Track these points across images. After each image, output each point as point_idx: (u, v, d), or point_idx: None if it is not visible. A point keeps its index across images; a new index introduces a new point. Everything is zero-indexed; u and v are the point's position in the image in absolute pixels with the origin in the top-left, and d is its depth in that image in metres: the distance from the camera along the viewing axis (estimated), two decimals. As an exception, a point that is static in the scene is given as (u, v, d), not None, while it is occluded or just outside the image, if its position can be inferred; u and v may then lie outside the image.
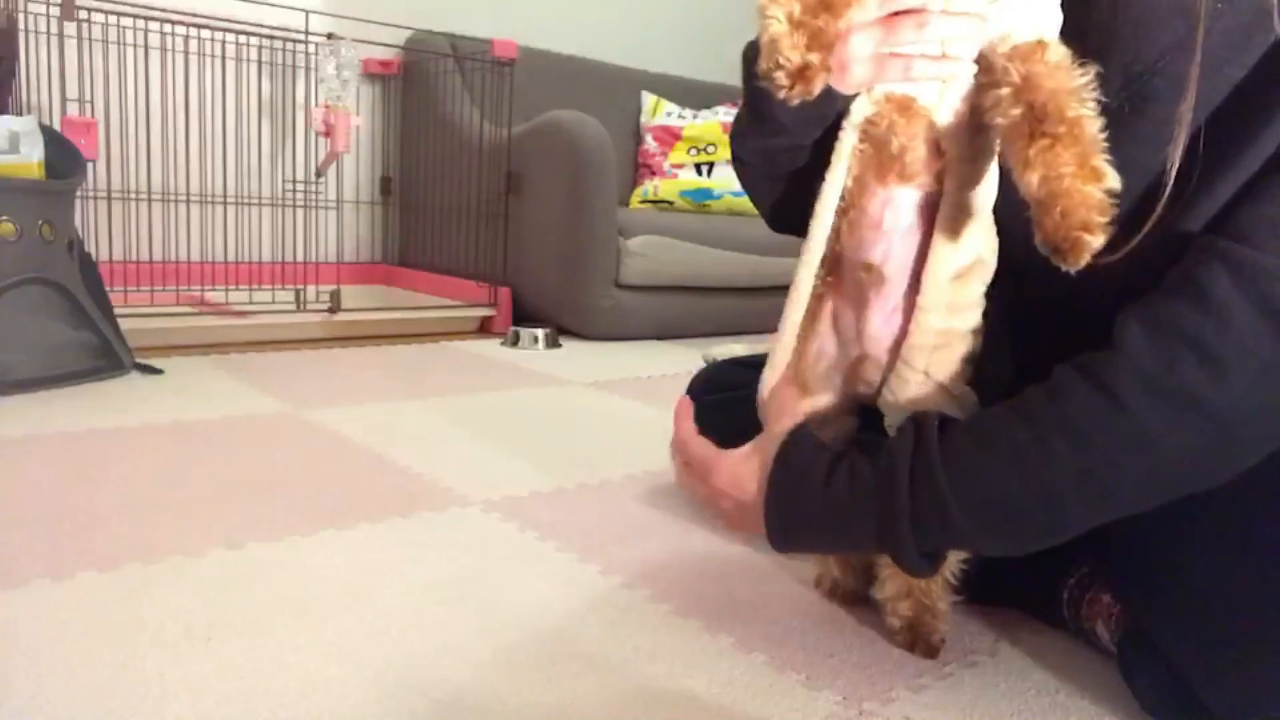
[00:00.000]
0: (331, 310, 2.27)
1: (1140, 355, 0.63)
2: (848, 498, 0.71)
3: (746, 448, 0.80)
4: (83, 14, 2.03)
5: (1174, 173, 0.65)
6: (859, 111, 0.73)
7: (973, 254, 0.74)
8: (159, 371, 1.78)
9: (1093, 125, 0.61)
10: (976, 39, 0.67)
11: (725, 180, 2.98)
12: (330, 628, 0.80)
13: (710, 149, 3.03)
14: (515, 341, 2.38)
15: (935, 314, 0.73)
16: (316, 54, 2.30)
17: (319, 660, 0.75)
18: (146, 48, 2.23)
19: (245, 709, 0.67)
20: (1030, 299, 0.79)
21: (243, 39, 2.39)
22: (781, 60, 0.60)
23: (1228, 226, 0.63)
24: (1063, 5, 0.68)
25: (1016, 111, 0.62)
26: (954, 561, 0.81)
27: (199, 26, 2.29)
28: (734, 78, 3.59)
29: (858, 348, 0.79)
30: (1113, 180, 0.60)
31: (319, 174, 2.43)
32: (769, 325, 2.82)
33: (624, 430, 1.57)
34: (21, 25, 1.98)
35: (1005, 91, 0.63)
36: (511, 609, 0.86)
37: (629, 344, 2.52)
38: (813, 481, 0.73)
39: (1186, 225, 0.66)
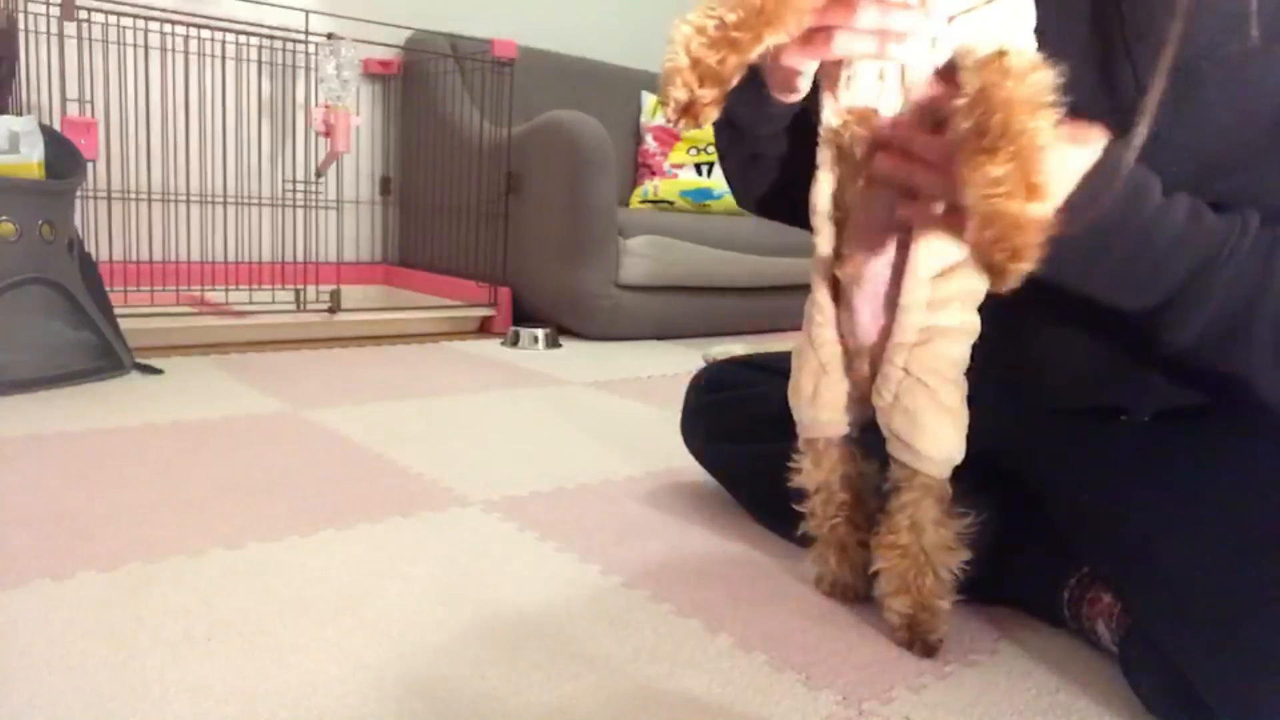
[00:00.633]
0: (331, 310, 2.27)
1: None
2: (1183, 225, 0.66)
3: None
4: (83, 14, 2.03)
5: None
6: (827, 125, 0.76)
7: (959, 251, 0.74)
8: (159, 371, 1.78)
9: (1044, 136, 0.59)
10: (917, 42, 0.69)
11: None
12: (330, 628, 0.80)
13: (710, 149, 3.03)
14: (515, 341, 2.38)
15: (916, 311, 0.76)
16: (316, 54, 2.30)
17: (319, 660, 0.75)
18: (146, 48, 2.23)
19: (245, 709, 0.67)
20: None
21: (243, 39, 2.39)
22: (672, 94, 0.63)
23: None
24: None
25: (966, 125, 0.61)
26: (952, 559, 0.81)
27: (199, 26, 2.30)
28: (734, 78, 3.52)
29: (854, 340, 0.81)
30: (1054, 193, 0.60)
31: (319, 174, 2.43)
32: (769, 325, 2.82)
33: (624, 430, 1.57)
34: (21, 25, 1.98)
35: (960, 104, 0.62)
36: (511, 609, 0.86)
37: (629, 344, 2.52)
38: (1147, 190, 0.66)
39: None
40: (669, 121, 0.64)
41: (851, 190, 0.76)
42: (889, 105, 0.72)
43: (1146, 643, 0.73)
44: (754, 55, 0.65)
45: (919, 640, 0.82)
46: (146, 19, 2.14)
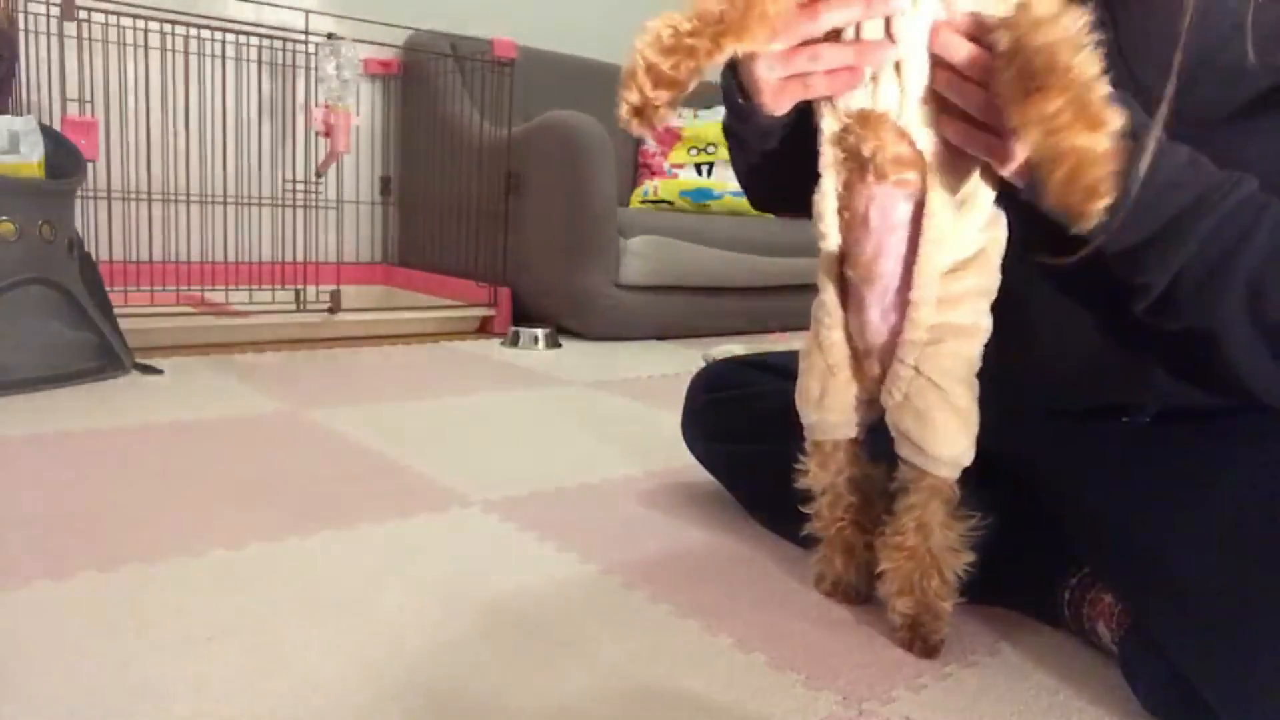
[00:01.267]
0: (331, 310, 2.27)
1: None
2: (1184, 164, 0.67)
3: None
4: (83, 14, 2.03)
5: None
6: (828, 128, 0.76)
7: (972, 247, 0.74)
8: (159, 371, 1.78)
9: (1089, 68, 0.59)
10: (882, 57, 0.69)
11: (725, 180, 2.97)
12: (330, 628, 0.80)
13: (710, 149, 3.03)
14: (515, 341, 2.38)
15: (926, 308, 0.75)
16: (316, 54, 2.30)
17: (319, 660, 0.75)
18: (146, 48, 2.23)
19: (245, 709, 0.67)
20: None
21: (243, 39, 2.39)
22: (625, 96, 0.65)
23: None
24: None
25: (1009, 75, 0.61)
26: (957, 561, 0.81)
27: (199, 26, 2.29)
28: (734, 78, 3.48)
29: (863, 341, 0.81)
30: (1116, 119, 0.60)
31: (319, 174, 2.43)
32: (769, 325, 2.82)
33: (624, 430, 1.57)
34: (21, 25, 1.98)
35: (1000, 54, 0.62)
36: (511, 609, 0.86)
37: (629, 344, 2.52)
38: (1148, 125, 0.66)
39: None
40: (621, 123, 0.66)
41: (860, 190, 0.76)
42: (887, 98, 0.72)
43: (1146, 643, 0.73)
44: (716, 62, 0.67)
45: (920, 641, 0.82)
46: (146, 19, 2.14)
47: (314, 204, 2.49)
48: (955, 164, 0.72)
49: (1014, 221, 0.76)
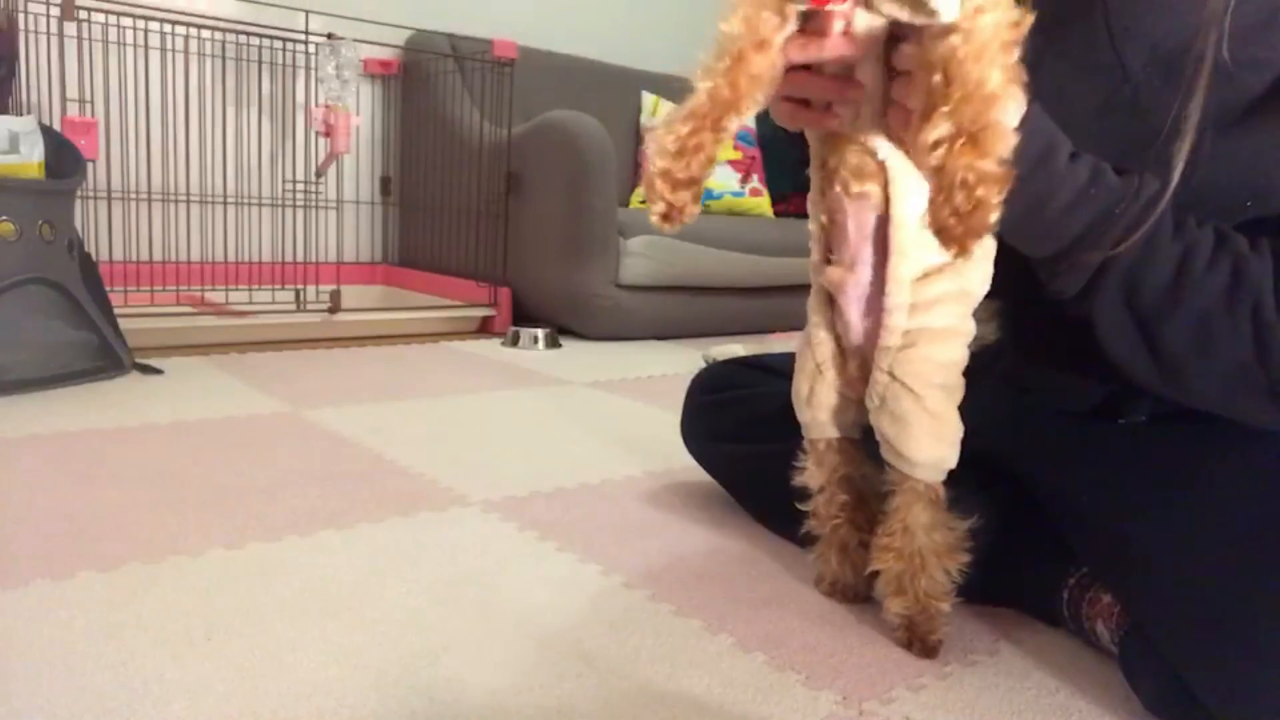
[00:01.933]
0: (331, 310, 2.27)
1: None
2: (1084, 184, 0.68)
3: None
4: (83, 14, 2.03)
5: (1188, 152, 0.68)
6: (810, 138, 0.79)
7: (936, 255, 0.75)
8: (159, 371, 1.78)
9: (988, 86, 0.58)
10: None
11: (725, 180, 2.98)
12: (330, 628, 0.80)
13: (710, 149, 3.03)
14: (515, 341, 2.38)
15: (898, 315, 0.76)
16: (316, 54, 2.30)
17: (319, 660, 0.75)
18: (146, 48, 2.23)
19: (245, 709, 0.67)
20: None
21: (243, 39, 2.39)
22: (653, 207, 0.68)
23: None
24: None
25: (909, 90, 0.63)
26: (950, 562, 0.81)
27: (199, 26, 2.29)
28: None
29: (847, 341, 0.82)
30: (1005, 145, 0.59)
31: (319, 174, 2.43)
32: (769, 325, 2.81)
33: (624, 430, 1.57)
34: (21, 25, 1.98)
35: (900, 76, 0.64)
36: (511, 609, 0.86)
37: (629, 344, 2.52)
38: (1057, 150, 0.68)
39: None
40: (656, 224, 0.70)
41: (834, 199, 0.77)
42: (844, 118, 0.73)
43: (1146, 642, 0.73)
44: (725, 141, 0.68)
45: (918, 641, 0.82)
46: (146, 19, 2.14)
47: (314, 204, 2.49)
48: (909, 176, 0.73)
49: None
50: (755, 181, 3.01)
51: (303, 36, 2.30)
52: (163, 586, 0.87)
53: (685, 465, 1.27)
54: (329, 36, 2.30)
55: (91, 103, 2.15)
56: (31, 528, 0.99)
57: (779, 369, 1.17)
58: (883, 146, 0.72)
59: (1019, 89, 0.62)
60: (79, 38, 2.12)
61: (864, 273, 0.78)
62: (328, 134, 2.31)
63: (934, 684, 0.78)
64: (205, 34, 2.37)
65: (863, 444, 0.87)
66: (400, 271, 2.93)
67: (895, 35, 0.66)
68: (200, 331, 2.11)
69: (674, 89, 3.26)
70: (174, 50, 2.34)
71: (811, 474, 0.88)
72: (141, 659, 0.73)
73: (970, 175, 0.58)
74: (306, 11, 2.34)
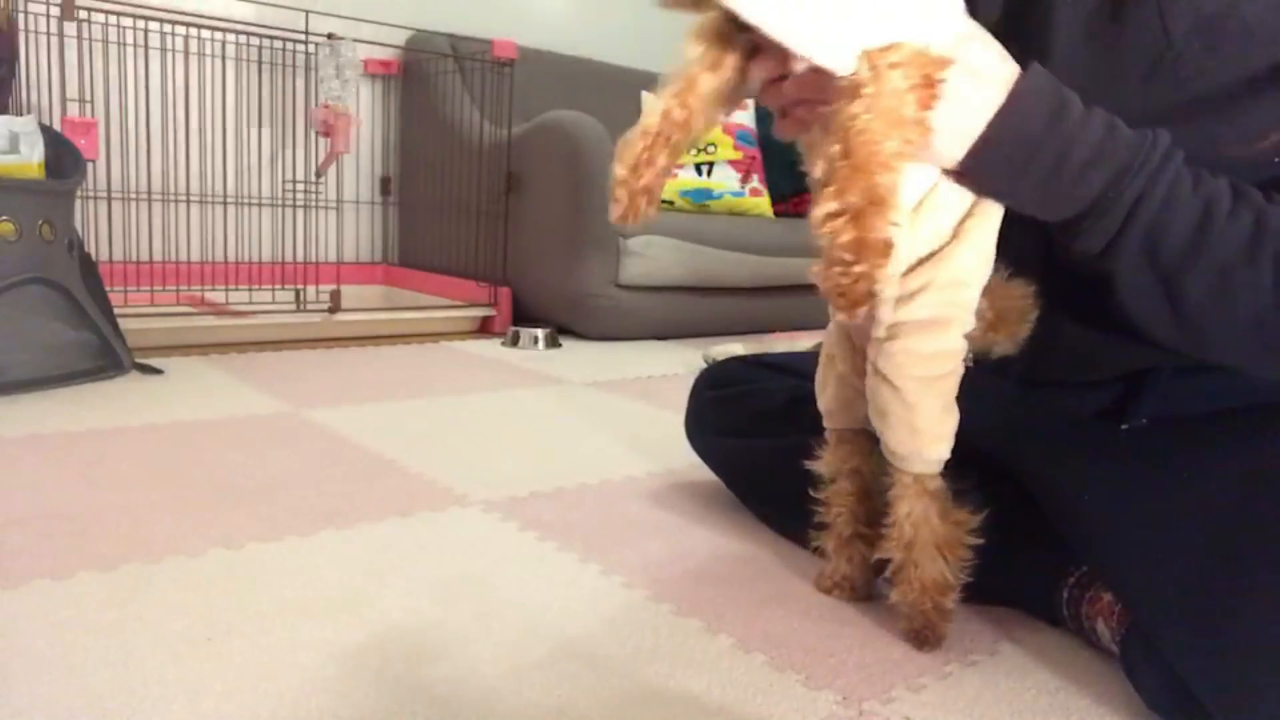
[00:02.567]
0: (331, 310, 2.27)
1: None
2: (1099, 141, 0.67)
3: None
4: (83, 14, 2.03)
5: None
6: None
7: (936, 241, 0.75)
8: (159, 371, 1.78)
9: (893, 148, 0.62)
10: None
11: (725, 180, 2.97)
12: (330, 628, 0.80)
13: (710, 149, 3.03)
14: (515, 341, 2.38)
15: (884, 308, 0.77)
16: (316, 54, 2.30)
17: (319, 660, 0.75)
18: (146, 48, 2.23)
19: (245, 709, 0.67)
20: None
21: (243, 39, 2.39)
22: (612, 206, 0.74)
23: None
24: None
25: (824, 161, 0.65)
26: (951, 554, 0.81)
27: (199, 26, 2.29)
28: (734, 78, 3.47)
29: (854, 332, 0.84)
30: (897, 215, 0.63)
31: (319, 174, 2.43)
32: (769, 325, 2.81)
33: (624, 430, 1.57)
34: (21, 25, 1.98)
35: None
36: (511, 609, 0.86)
37: (629, 344, 2.52)
38: (1067, 108, 0.67)
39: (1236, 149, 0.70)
40: (615, 222, 0.75)
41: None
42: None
43: (1148, 641, 0.73)
44: (680, 154, 0.74)
45: (916, 633, 0.83)
46: (146, 19, 2.14)
47: (314, 204, 2.49)
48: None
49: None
50: (755, 181, 3.01)
51: (303, 36, 2.30)
52: (163, 586, 0.87)
53: (685, 465, 1.27)
54: (329, 36, 2.30)
55: (91, 103, 2.15)
56: (31, 528, 0.99)
57: (783, 366, 1.17)
58: None
59: (989, 71, 0.65)
60: (79, 38, 2.12)
61: None
62: (328, 134, 2.31)
63: (934, 684, 0.78)
64: (205, 34, 2.37)
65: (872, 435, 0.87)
66: (400, 271, 2.93)
67: None
68: (200, 331, 2.11)
69: (674, 89, 3.27)
70: (174, 50, 2.34)
71: (825, 463, 0.90)
72: (141, 659, 0.73)
73: (850, 253, 0.62)
74: (306, 11, 2.34)
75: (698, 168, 3.03)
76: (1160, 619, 0.71)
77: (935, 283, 0.76)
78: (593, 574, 0.95)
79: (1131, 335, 0.74)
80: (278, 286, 2.26)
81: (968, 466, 0.82)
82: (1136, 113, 0.69)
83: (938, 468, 0.79)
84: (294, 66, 2.53)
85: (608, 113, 2.80)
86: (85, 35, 2.14)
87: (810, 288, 0.85)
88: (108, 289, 1.78)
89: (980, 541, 0.82)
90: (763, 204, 3.03)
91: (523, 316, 2.56)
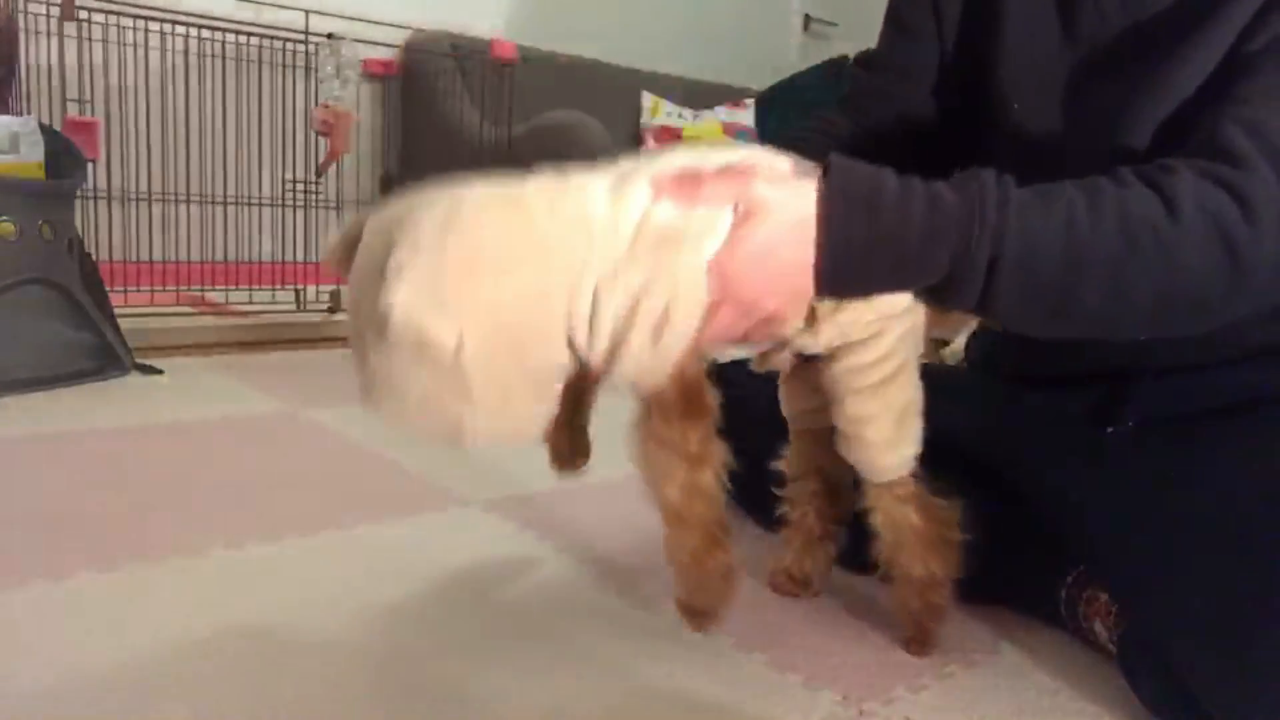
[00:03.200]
0: (331, 310, 2.27)
1: (1193, 183, 0.65)
2: (926, 208, 0.64)
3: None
4: (83, 14, 2.03)
5: None
6: None
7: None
8: (159, 371, 1.78)
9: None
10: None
11: (725, 180, 2.97)
12: (330, 628, 0.80)
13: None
14: (515, 341, 2.37)
15: (808, 342, 0.76)
16: (316, 54, 2.30)
17: (319, 660, 0.75)
18: (146, 48, 2.23)
19: (245, 709, 0.67)
20: None
21: (243, 39, 2.39)
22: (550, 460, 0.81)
23: (1233, 98, 0.68)
24: None
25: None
26: (937, 553, 0.80)
27: (199, 26, 2.29)
28: (734, 78, 3.56)
29: None
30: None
31: (319, 174, 2.43)
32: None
33: (623, 430, 1.56)
34: (21, 25, 1.98)
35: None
36: (512, 609, 0.86)
37: (629, 344, 2.52)
38: (878, 198, 0.65)
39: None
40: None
41: None
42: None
43: (1145, 642, 0.74)
44: (584, 408, 0.81)
45: (910, 640, 0.83)
46: (146, 19, 2.14)
47: (314, 204, 2.49)
48: None
49: None
50: (755, 181, 3.01)
51: (303, 36, 2.30)
52: (163, 586, 0.87)
53: (685, 465, 1.27)
54: (329, 36, 2.30)
55: (91, 103, 2.15)
56: (31, 528, 0.99)
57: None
58: None
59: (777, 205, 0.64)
60: (79, 38, 2.12)
61: None
62: (328, 134, 2.30)
63: (934, 684, 0.78)
64: (205, 34, 2.37)
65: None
66: (400, 271, 2.93)
67: None
68: (200, 331, 2.11)
69: (674, 89, 3.27)
70: (174, 50, 2.33)
71: (787, 462, 0.90)
72: (141, 659, 0.73)
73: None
74: (306, 11, 2.34)
75: (698, 168, 3.03)
76: (1160, 622, 0.71)
77: (858, 321, 0.74)
78: (592, 574, 0.95)
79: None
80: (278, 286, 2.26)
81: (963, 468, 0.82)
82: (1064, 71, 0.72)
83: (901, 474, 0.78)
84: (294, 66, 2.53)
85: (608, 113, 2.80)
86: (85, 35, 2.13)
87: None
88: (108, 289, 1.78)
89: (967, 537, 0.81)
90: (763, 204, 3.03)
91: (523, 316, 2.56)
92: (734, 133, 3.03)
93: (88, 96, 2.13)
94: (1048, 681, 0.79)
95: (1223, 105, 0.68)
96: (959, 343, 1.93)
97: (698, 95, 3.27)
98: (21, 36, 1.98)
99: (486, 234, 0.61)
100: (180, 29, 2.29)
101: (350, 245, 0.62)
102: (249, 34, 2.33)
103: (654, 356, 0.66)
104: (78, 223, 1.78)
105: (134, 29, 2.18)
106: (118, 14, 2.12)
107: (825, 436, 0.86)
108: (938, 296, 0.68)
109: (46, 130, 1.70)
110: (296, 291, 2.23)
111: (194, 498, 1.11)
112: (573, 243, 0.62)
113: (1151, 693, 0.73)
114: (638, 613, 0.87)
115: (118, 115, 2.30)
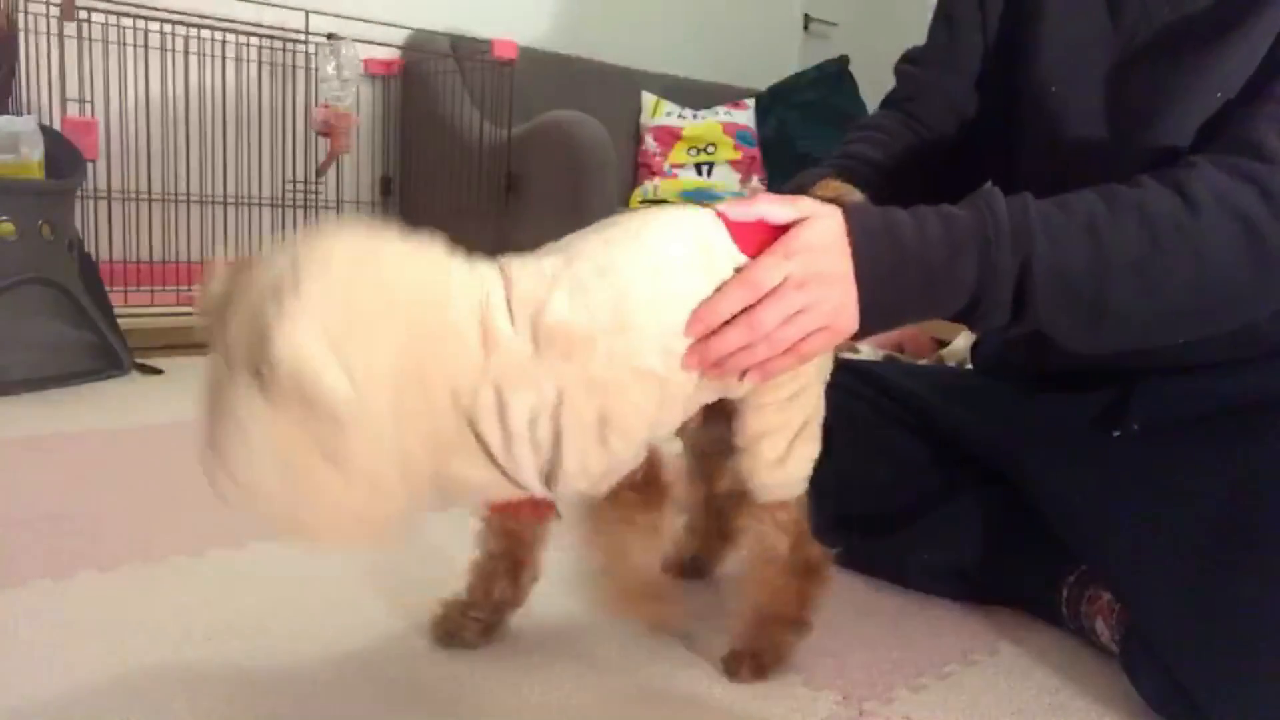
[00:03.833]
0: (331, 310, 2.26)
1: (1214, 178, 0.66)
2: (943, 237, 0.66)
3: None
4: (83, 14, 2.03)
5: None
6: None
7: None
8: (159, 371, 1.78)
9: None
10: None
11: (725, 180, 2.98)
12: (330, 628, 0.80)
13: (710, 149, 3.03)
14: (515, 341, 2.37)
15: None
16: (316, 54, 2.30)
17: (319, 660, 0.75)
18: (146, 48, 2.23)
19: (245, 709, 0.67)
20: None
21: (243, 39, 2.39)
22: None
23: (1268, 96, 0.69)
24: None
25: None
26: (810, 595, 0.78)
27: (199, 26, 2.29)
28: (734, 78, 3.55)
29: None
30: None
31: (319, 174, 2.43)
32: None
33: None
34: (21, 25, 1.98)
35: None
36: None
37: (629, 344, 2.52)
38: (902, 227, 0.66)
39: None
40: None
41: None
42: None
43: (1146, 642, 0.73)
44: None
45: (733, 656, 0.77)
46: (146, 19, 2.14)
47: (314, 204, 2.49)
48: None
49: None
50: (755, 181, 3.01)
51: (303, 36, 2.30)
52: (163, 586, 0.87)
53: (685, 465, 1.27)
54: (329, 36, 2.30)
55: (91, 103, 2.15)
56: (31, 528, 0.99)
57: None
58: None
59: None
60: (79, 38, 2.12)
61: None
62: (328, 134, 2.30)
63: (934, 684, 0.78)
64: (205, 34, 2.37)
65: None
66: (400, 271, 2.93)
67: None
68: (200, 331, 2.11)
69: (674, 89, 3.27)
70: (174, 50, 2.33)
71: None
72: (141, 659, 0.73)
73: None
74: (306, 11, 2.34)
75: (698, 168, 3.04)
76: (1156, 621, 0.71)
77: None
78: (593, 574, 0.95)
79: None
80: (278, 286, 2.26)
81: (966, 467, 0.82)
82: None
83: (785, 496, 0.75)
84: (294, 66, 2.53)
85: (608, 113, 2.80)
86: (85, 35, 2.13)
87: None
88: (108, 289, 1.78)
89: (977, 546, 0.81)
90: (763, 204, 3.03)
91: (523, 316, 2.56)
92: (734, 133, 3.03)
93: (88, 96, 2.13)
94: (1048, 681, 0.79)
95: (1258, 104, 0.69)
96: (959, 343, 1.93)
97: (698, 95, 3.26)
98: (21, 36, 1.98)
99: (384, 283, 0.59)
100: (180, 29, 2.29)
101: (225, 297, 0.57)
102: (249, 34, 2.33)
103: (602, 458, 0.66)
104: (78, 223, 1.78)
105: (134, 29, 2.18)
106: (118, 14, 2.12)
107: (714, 458, 0.82)
108: (974, 313, 0.68)
109: (46, 130, 1.70)
110: (296, 291, 2.22)
111: (194, 498, 1.11)
112: (455, 342, 0.61)
113: (1153, 692, 0.73)
114: (638, 613, 0.87)
115: (118, 115, 2.30)
